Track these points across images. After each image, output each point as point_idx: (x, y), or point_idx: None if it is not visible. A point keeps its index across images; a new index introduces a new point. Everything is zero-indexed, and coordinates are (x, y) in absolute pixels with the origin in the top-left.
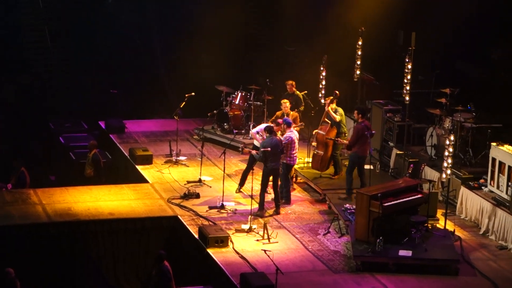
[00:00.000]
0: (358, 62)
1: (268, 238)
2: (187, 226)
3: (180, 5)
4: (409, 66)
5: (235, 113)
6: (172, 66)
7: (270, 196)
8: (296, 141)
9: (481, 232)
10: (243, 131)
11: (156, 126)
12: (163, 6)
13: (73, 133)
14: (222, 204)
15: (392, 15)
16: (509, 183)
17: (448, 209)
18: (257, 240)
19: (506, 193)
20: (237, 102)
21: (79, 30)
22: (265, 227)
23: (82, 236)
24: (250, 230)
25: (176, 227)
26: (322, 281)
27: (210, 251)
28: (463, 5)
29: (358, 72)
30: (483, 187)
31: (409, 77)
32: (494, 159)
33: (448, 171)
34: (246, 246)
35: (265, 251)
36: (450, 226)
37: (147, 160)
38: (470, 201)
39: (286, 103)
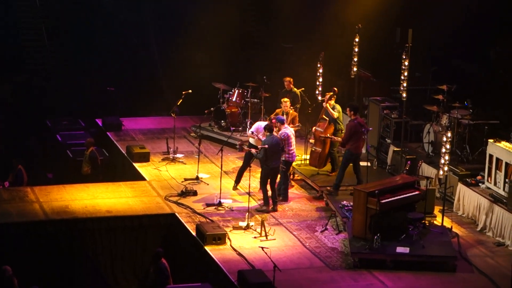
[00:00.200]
0: (355, 59)
1: (266, 235)
2: (185, 224)
3: (177, 3)
4: (406, 63)
5: (232, 110)
6: (169, 63)
7: (268, 193)
8: (293, 137)
9: (478, 229)
10: (240, 128)
11: (153, 124)
12: (160, 5)
13: (70, 131)
14: (220, 202)
15: (389, 12)
16: (506, 180)
17: (446, 205)
18: (255, 237)
19: (503, 189)
20: (234, 100)
21: (76, 28)
22: (262, 224)
23: (80, 234)
24: (247, 227)
25: (173, 225)
26: (319, 278)
27: (207, 248)
28: (461, 2)
29: (355, 69)
30: (480, 184)
31: (406, 74)
32: (491, 156)
33: (445, 168)
34: (243, 243)
35: (262, 248)
36: (447, 223)
37: (144, 158)
38: (467, 198)
39: (286, 102)
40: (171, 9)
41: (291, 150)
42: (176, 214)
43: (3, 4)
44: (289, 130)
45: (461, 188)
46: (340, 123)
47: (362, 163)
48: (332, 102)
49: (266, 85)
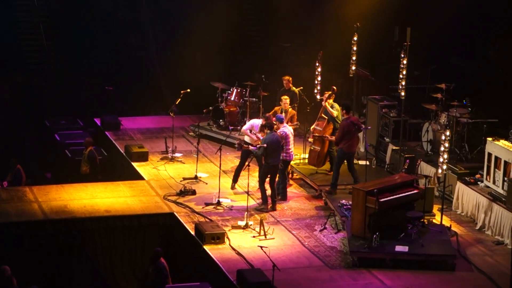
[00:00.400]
0: (354, 58)
1: (265, 235)
2: (183, 223)
3: (175, 3)
4: (405, 62)
5: (231, 109)
6: (168, 63)
7: (267, 192)
8: (291, 136)
9: (477, 227)
10: (238, 127)
11: (151, 123)
12: (158, 4)
13: (68, 130)
14: (218, 201)
15: (388, 11)
16: (505, 178)
17: (444, 204)
18: (254, 237)
19: (502, 188)
20: (232, 99)
21: (75, 28)
22: (261, 224)
23: (78, 234)
24: (246, 226)
25: (172, 224)
26: (318, 277)
27: (206, 247)
28: (460, 3)
29: (353, 67)
30: (479, 182)
31: (404, 72)
32: (490, 154)
33: (444, 166)
34: (242, 243)
35: (261, 247)
36: (446, 222)
37: (143, 157)
38: (466, 196)
39: (286, 100)
40: (169, 9)
41: (289, 149)
42: (175, 213)
43: (2, 3)
44: (287, 129)
45: (460, 187)
46: (339, 122)
47: (361, 162)
48: (331, 101)
49: (264, 84)
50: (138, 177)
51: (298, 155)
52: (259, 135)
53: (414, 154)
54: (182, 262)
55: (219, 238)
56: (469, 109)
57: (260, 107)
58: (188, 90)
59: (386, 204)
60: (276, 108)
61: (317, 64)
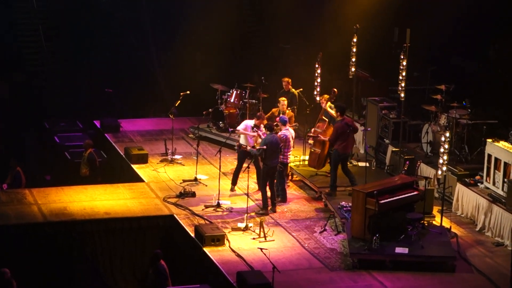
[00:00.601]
0: (353, 59)
1: (265, 236)
2: (183, 225)
3: (175, 4)
4: (404, 63)
5: (230, 111)
6: (167, 64)
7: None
8: (292, 140)
9: (477, 229)
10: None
11: (151, 125)
12: (158, 6)
13: (68, 132)
14: (218, 203)
15: (387, 12)
16: (505, 180)
17: (444, 206)
18: (254, 239)
19: (502, 189)
20: (232, 100)
21: (74, 29)
22: (261, 226)
23: (78, 236)
24: (246, 228)
25: (172, 226)
26: (318, 278)
27: (206, 249)
28: (460, 3)
29: (353, 69)
30: (479, 184)
31: (404, 74)
32: (489, 156)
33: (444, 168)
34: (242, 245)
35: (261, 249)
36: (446, 223)
37: (143, 159)
38: (466, 198)
39: (284, 101)
40: (169, 10)
41: (287, 152)
42: (175, 215)
43: (1, 4)
44: (289, 132)
45: (459, 188)
46: None
47: (361, 164)
48: (329, 103)
49: (264, 86)
50: (138, 179)
51: (298, 157)
52: (260, 132)
53: (414, 155)
54: (182, 264)
55: (219, 240)
56: (469, 110)
57: (260, 109)
58: (188, 92)
59: (386, 205)
60: (274, 109)
61: (317, 65)
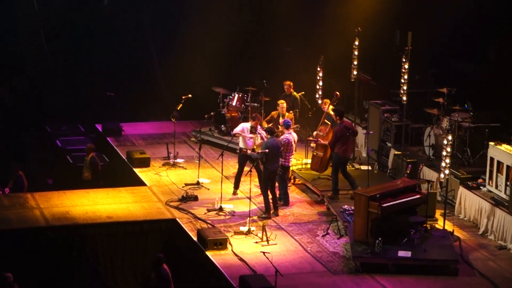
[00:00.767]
0: (355, 63)
1: (267, 240)
2: (186, 229)
3: (176, 7)
4: (406, 66)
5: (232, 114)
6: (169, 68)
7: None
8: (294, 144)
9: (480, 232)
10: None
11: (153, 129)
12: (159, 9)
13: (70, 136)
14: (221, 207)
15: (389, 15)
16: (508, 183)
17: (447, 209)
18: (256, 242)
19: (505, 192)
20: (234, 104)
21: (75, 33)
22: (263, 229)
23: (80, 240)
24: (248, 232)
25: (174, 230)
26: (321, 282)
27: (208, 253)
28: (460, 4)
29: (355, 72)
30: (481, 187)
31: (406, 77)
32: (492, 159)
33: (446, 171)
34: (245, 248)
35: (264, 253)
36: (449, 226)
37: (145, 163)
38: (468, 201)
39: (283, 104)
40: (170, 14)
41: (288, 155)
42: (177, 219)
43: (3, 8)
44: (292, 136)
45: (462, 192)
46: None
47: (363, 167)
48: (331, 107)
49: (266, 89)
50: (140, 183)
51: (300, 160)
52: (260, 131)
53: (416, 159)
54: (185, 268)
55: (221, 244)
56: (471, 113)
57: (262, 112)
58: (190, 95)
59: (389, 209)
60: (273, 112)
61: (318, 68)
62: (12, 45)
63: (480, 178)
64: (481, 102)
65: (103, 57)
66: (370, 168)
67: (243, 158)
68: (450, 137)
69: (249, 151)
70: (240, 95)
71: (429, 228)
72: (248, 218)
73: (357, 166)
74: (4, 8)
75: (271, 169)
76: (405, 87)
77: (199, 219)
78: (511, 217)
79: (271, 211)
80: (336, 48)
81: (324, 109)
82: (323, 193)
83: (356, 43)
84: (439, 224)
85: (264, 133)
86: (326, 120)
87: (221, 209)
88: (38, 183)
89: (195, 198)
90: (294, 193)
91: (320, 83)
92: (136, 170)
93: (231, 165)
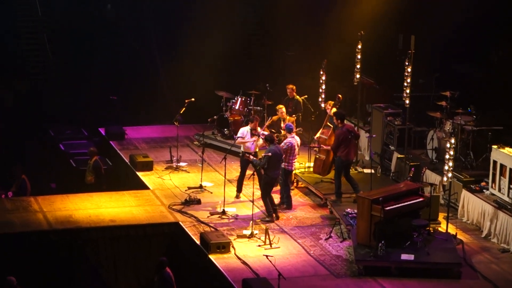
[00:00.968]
0: (358, 66)
1: (270, 244)
2: (189, 233)
3: (179, 11)
4: (409, 70)
5: (235, 118)
6: (172, 72)
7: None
8: (297, 148)
9: (483, 235)
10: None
11: (156, 132)
12: (162, 13)
13: (73, 140)
14: (224, 210)
15: (392, 19)
16: (511, 186)
17: (450, 212)
18: (259, 246)
19: (508, 195)
20: (237, 107)
21: (78, 37)
22: (266, 233)
23: (83, 243)
24: (251, 235)
25: (177, 234)
26: (324, 285)
27: (211, 257)
28: (462, 7)
29: (358, 76)
30: (484, 190)
31: (409, 80)
32: (495, 162)
33: (449, 174)
34: (248, 252)
35: (267, 256)
36: (452, 230)
37: (148, 167)
38: (471, 204)
39: (282, 109)
40: (173, 18)
41: (292, 159)
42: (180, 223)
43: (5, 11)
44: (294, 140)
45: (465, 195)
46: None
47: (366, 170)
48: (335, 109)
49: (269, 93)
50: (143, 186)
51: (303, 163)
52: (260, 131)
53: (419, 162)
54: (188, 271)
55: (224, 247)
56: (474, 116)
57: (265, 116)
58: (193, 99)
59: (392, 212)
60: (274, 117)
61: (322, 72)
62: (15, 48)
63: (483, 181)
64: (484, 105)
65: (106, 61)
66: (373, 171)
67: (246, 162)
68: (453, 140)
69: (251, 157)
70: (243, 99)
71: (432, 231)
72: (251, 222)
73: (360, 169)
74: (6, 10)
75: (271, 176)
76: (408, 91)
77: (202, 222)
78: None
79: (273, 215)
80: (339, 51)
81: (328, 111)
82: (326, 197)
83: (359, 46)
84: (442, 227)
85: (265, 132)
86: (328, 123)
87: (224, 212)
88: (41, 187)
89: (198, 202)
90: (297, 196)
91: (323, 87)
92: (139, 173)
93: (234, 169)
